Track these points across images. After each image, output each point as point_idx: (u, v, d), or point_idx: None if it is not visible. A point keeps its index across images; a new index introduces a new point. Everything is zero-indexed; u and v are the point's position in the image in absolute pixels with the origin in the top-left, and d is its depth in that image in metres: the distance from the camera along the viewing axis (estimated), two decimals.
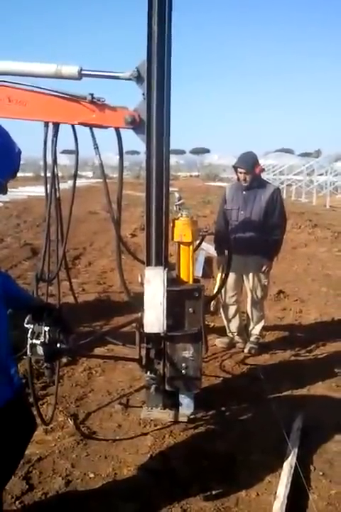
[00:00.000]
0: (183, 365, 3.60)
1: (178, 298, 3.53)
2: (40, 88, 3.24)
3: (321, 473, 3.22)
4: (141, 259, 3.89)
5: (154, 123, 3.20)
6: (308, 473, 3.22)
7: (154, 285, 3.39)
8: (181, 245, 3.69)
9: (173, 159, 63.17)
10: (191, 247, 3.69)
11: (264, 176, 28.50)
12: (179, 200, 3.76)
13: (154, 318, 3.41)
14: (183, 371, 3.61)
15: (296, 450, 3.35)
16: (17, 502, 2.87)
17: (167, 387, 3.69)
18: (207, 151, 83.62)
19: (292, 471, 3.13)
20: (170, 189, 3.53)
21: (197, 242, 4.06)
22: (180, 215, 3.70)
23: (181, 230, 3.64)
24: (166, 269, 3.44)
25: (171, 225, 3.64)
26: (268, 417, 3.81)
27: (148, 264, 3.46)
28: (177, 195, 3.82)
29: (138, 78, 3.21)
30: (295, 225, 14.25)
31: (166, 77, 3.18)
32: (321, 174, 26.90)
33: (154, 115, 3.19)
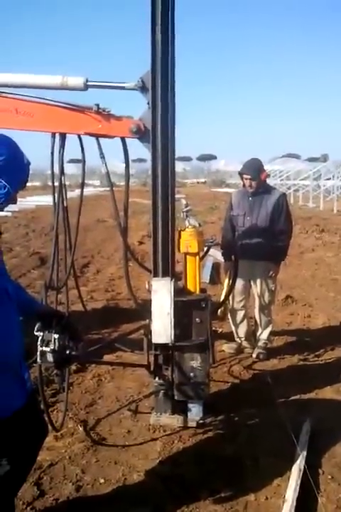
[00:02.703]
0: (191, 374, 3.64)
1: (185, 308, 3.57)
2: (47, 99, 3.30)
3: (330, 477, 3.23)
4: (147, 268, 3.92)
5: (159, 132, 3.24)
6: (317, 476, 3.23)
7: (161, 296, 3.43)
8: (187, 256, 3.74)
9: (180, 166, 63.29)
10: (197, 257, 3.74)
11: (271, 181, 28.46)
12: (186, 207, 3.80)
13: (162, 328, 3.44)
14: (191, 380, 3.65)
15: (305, 454, 3.36)
16: (28, 508, 2.90)
17: (176, 396, 3.72)
18: (214, 157, 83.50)
19: (301, 474, 3.14)
20: (177, 196, 3.56)
21: (204, 251, 4.10)
22: (187, 222, 3.74)
23: (187, 241, 3.69)
24: (173, 279, 3.48)
25: (177, 236, 3.67)
26: (276, 421, 3.82)
27: (155, 274, 3.50)
28: (184, 202, 3.85)
29: (143, 88, 3.26)
30: (302, 230, 14.24)
31: (170, 86, 3.23)
32: (328, 179, 26.83)
33: (159, 124, 3.23)
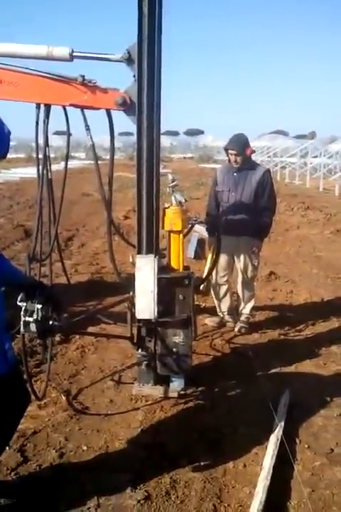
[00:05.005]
0: (174, 349, 3.70)
1: (169, 285, 3.61)
2: (32, 69, 3.26)
3: (306, 446, 3.33)
4: (131, 243, 3.94)
5: (145, 105, 3.23)
6: (294, 445, 3.33)
7: (145, 273, 3.45)
8: (171, 233, 3.77)
9: (167, 141, 62.67)
10: (181, 235, 3.78)
11: (259, 157, 28.41)
12: (172, 183, 3.81)
13: (145, 304, 3.47)
14: (174, 355, 3.71)
15: (283, 424, 3.46)
16: (12, 473, 2.96)
17: (158, 370, 3.78)
18: (201, 132, 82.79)
19: (278, 443, 3.24)
20: (164, 171, 3.57)
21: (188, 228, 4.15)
22: (173, 198, 3.76)
23: (171, 218, 3.73)
24: (157, 256, 3.50)
25: (162, 213, 3.69)
26: (256, 393, 3.92)
27: (139, 251, 3.51)
28: (170, 177, 3.86)
29: (129, 60, 3.23)
30: (288, 208, 14.33)
31: (157, 59, 3.21)
32: (315, 156, 26.83)
33: (145, 97, 3.22)
